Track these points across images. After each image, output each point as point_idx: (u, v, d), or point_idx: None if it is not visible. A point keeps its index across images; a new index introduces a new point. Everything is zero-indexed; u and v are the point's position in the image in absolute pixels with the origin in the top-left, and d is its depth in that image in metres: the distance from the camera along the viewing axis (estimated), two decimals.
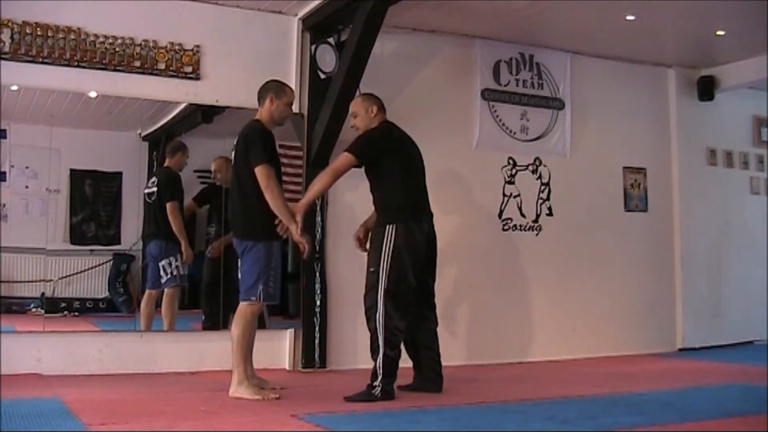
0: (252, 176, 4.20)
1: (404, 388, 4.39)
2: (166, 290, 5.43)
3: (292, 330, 5.53)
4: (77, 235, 5.50)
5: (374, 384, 4.13)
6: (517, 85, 6.41)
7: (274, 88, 4.44)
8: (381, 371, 4.13)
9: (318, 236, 5.58)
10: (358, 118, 4.54)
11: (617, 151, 6.86)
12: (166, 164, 5.58)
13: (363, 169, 4.48)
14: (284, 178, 5.80)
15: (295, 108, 5.58)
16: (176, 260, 5.44)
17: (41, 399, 3.95)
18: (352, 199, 5.71)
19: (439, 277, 5.92)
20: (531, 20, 5.86)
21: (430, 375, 4.47)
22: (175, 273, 5.44)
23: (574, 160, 6.63)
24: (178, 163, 5.59)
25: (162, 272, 5.44)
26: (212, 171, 5.73)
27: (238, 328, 4.17)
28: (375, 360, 4.17)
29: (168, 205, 5.43)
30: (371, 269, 4.29)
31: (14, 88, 4.99)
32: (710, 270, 7.13)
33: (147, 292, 5.45)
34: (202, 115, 5.56)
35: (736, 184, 7.43)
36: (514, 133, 6.40)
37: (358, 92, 4.69)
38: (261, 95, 4.44)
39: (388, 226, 4.30)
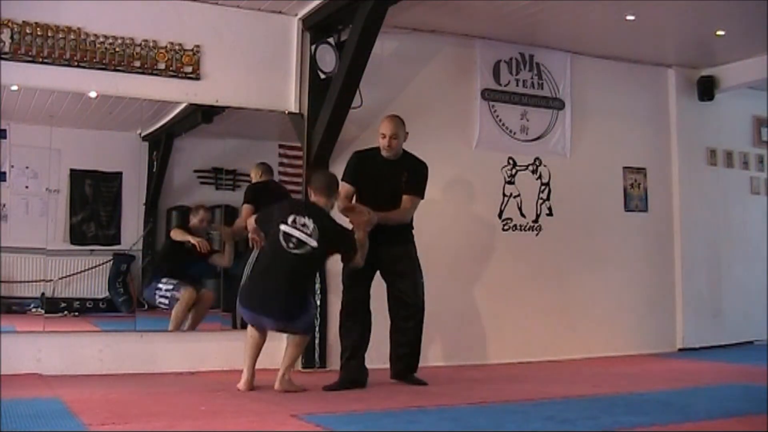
0: None
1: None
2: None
3: None
4: (77, 235, 5.51)
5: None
6: (517, 85, 6.42)
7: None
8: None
9: None
10: (398, 140, 4.71)
11: (617, 151, 6.86)
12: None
13: (402, 190, 4.72)
14: (284, 178, 5.84)
15: (295, 108, 5.61)
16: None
17: (41, 399, 3.95)
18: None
19: (440, 276, 5.96)
20: (531, 20, 5.86)
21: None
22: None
23: (574, 160, 6.62)
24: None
25: None
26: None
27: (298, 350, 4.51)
28: (419, 355, 4.77)
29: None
30: (422, 280, 4.73)
31: (14, 88, 4.98)
32: (710, 270, 7.13)
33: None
34: (202, 115, 5.55)
35: (736, 184, 7.43)
36: (514, 133, 6.40)
37: (397, 120, 4.77)
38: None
39: (413, 245, 4.78)
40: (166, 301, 5.43)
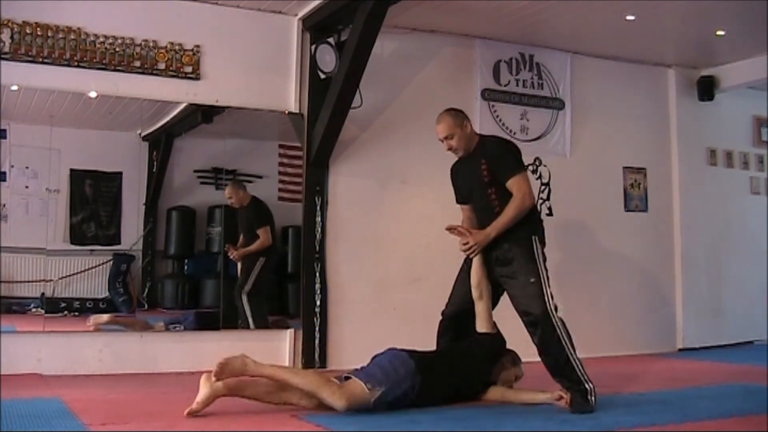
0: None
1: None
2: None
3: (292, 330, 5.53)
4: (77, 235, 5.51)
5: (588, 388, 3.88)
6: (517, 85, 6.42)
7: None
8: (585, 376, 3.93)
9: (318, 236, 5.58)
10: (455, 138, 4.16)
11: (617, 151, 6.86)
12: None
13: (487, 181, 4.13)
14: (284, 178, 5.84)
15: (295, 108, 5.61)
16: None
17: (41, 399, 3.95)
18: (352, 198, 5.72)
19: (440, 277, 5.94)
20: (531, 20, 5.86)
21: None
22: None
23: (574, 160, 6.63)
24: None
25: None
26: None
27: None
28: (569, 368, 3.96)
29: None
30: (532, 280, 4.06)
31: (14, 88, 4.98)
32: (710, 270, 7.13)
33: None
34: (202, 115, 5.56)
35: (736, 184, 7.43)
36: (514, 133, 6.40)
37: (447, 118, 4.22)
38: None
39: (533, 238, 4.10)
40: None
